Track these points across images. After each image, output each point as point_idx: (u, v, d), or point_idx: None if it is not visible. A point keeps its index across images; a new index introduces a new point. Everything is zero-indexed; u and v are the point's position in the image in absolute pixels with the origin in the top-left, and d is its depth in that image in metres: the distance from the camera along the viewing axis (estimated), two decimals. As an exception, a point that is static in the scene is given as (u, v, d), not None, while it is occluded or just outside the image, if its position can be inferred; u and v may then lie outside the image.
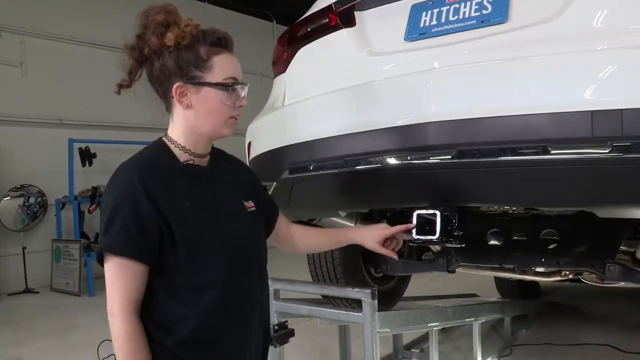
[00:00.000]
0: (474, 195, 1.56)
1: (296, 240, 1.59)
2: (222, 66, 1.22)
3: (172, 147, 1.26)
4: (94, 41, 7.35)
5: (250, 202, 1.37)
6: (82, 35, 7.34)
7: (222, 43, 1.24)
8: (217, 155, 1.37)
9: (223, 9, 9.27)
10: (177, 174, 1.23)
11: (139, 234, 1.14)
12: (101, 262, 1.18)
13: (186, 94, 1.22)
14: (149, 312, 1.18)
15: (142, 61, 1.24)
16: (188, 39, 1.20)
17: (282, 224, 1.56)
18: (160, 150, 1.26)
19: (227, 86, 1.23)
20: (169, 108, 1.28)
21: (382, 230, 1.55)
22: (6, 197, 6.59)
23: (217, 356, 1.23)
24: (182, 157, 1.26)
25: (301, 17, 2.10)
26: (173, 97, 1.23)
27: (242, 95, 1.26)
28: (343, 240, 1.64)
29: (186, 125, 1.25)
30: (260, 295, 1.34)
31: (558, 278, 2.26)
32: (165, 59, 1.21)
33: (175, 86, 1.21)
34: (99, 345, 3.13)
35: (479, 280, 4.26)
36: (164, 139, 1.29)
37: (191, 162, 1.26)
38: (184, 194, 1.21)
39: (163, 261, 1.18)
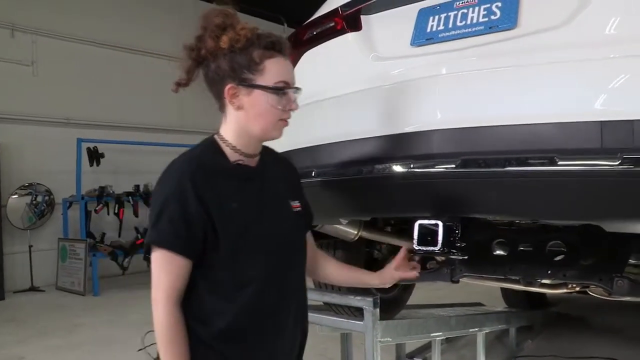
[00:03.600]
0: (478, 206, 1.52)
1: (318, 266, 1.56)
2: (274, 70, 1.25)
3: (223, 145, 1.29)
4: (104, 42, 7.39)
5: (297, 202, 1.41)
6: (93, 35, 7.36)
7: (275, 47, 1.26)
8: (266, 154, 1.39)
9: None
10: (226, 173, 1.27)
11: (184, 230, 1.18)
12: (147, 253, 1.22)
13: (238, 96, 1.25)
14: (188, 304, 1.22)
15: (200, 62, 1.28)
16: (242, 42, 1.23)
17: (310, 241, 1.51)
18: (211, 148, 1.29)
19: (278, 90, 1.25)
20: (221, 108, 1.31)
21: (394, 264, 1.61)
22: (14, 195, 6.61)
23: (250, 350, 1.26)
24: (232, 156, 1.29)
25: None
26: (225, 98, 1.26)
27: (293, 99, 1.29)
28: (360, 281, 1.66)
29: (237, 126, 1.28)
30: (298, 294, 1.37)
31: (564, 290, 2.21)
32: (220, 61, 1.24)
33: (227, 87, 1.25)
34: (144, 335, 3.12)
35: (485, 289, 4.20)
36: (215, 137, 1.32)
37: (241, 162, 1.29)
38: (231, 195, 1.25)
39: (206, 257, 1.21)
